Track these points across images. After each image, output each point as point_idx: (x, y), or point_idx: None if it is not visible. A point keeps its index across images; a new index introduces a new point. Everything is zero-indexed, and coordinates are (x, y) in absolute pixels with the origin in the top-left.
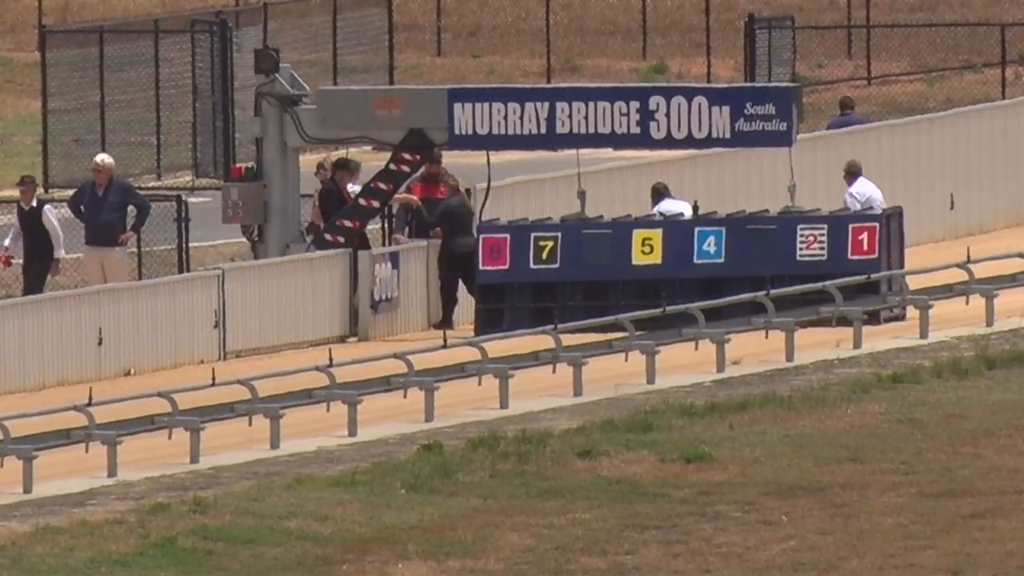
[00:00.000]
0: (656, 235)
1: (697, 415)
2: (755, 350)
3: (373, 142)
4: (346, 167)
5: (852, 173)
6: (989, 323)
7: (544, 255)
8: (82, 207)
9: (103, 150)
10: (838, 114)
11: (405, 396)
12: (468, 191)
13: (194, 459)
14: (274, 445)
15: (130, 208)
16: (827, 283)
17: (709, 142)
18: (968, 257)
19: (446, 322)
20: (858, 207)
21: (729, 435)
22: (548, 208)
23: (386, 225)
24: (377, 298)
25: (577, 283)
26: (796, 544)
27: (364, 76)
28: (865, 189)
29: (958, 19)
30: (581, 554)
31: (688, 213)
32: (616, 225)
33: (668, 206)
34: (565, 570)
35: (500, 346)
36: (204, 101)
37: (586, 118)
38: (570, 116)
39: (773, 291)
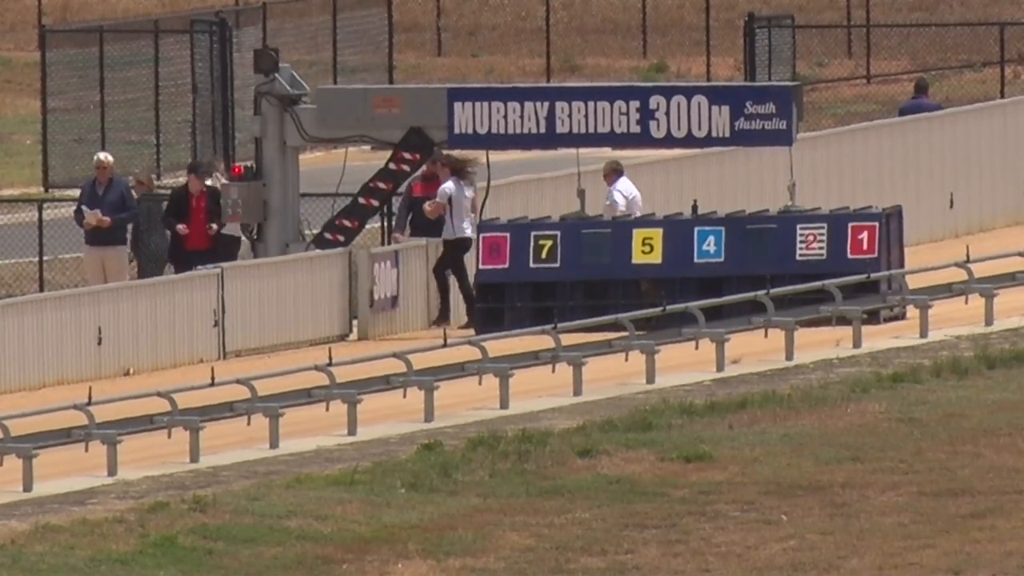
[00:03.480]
0: (656, 234)
1: (697, 414)
2: (755, 349)
3: (373, 141)
4: (198, 171)
5: (616, 171)
6: (989, 322)
7: (544, 254)
8: (83, 207)
9: (103, 149)
10: (910, 97)
11: (405, 395)
12: None
13: (194, 458)
14: (273, 444)
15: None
16: (827, 282)
17: (709, 141)
18: (967, 256)
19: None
20: (622, 207)
21: (729, 434)
22: (548, 207)
23: (386, 224)
24: (377, 297)
25: (577, 282)
26: (796, 543)
27: (364, 76)
28: (631, 188)
29: (957, 18)
30: (581, 553)
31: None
32: (616, 224)
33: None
34: (565, 569)
35: (500, 345)
36: (204, 100)
37: (586, 117)
38: (570, 115)
39: (773, 290)
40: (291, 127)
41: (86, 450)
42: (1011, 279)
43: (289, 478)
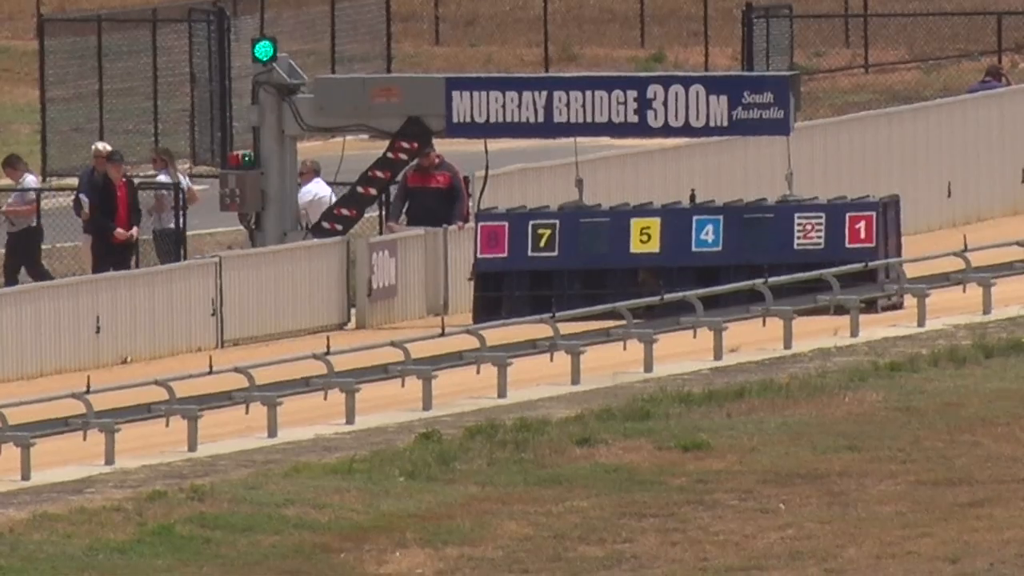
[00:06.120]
0: (654, 223)
1: (695, 403)
2: (753, 338)
3: (371, 130)
4: (113, 159)
5: (311, 171)
6: (986, 311)
7: (542, 243)
8: (80, 195)
9: (101, 138)
10: (980, 80)
11: (403, 384)
12: (467, 179)
13: (191, 447)
14: (272, 433)
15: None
16: (824, 271)
17: (707, 131)
18: (965, 245)
19: None
20: (303, 205)
21: (727, 423)
22: (546, 196)
23: (383, 213)
24: (375, 286)
25: (575, 271)
26: (794, 532)
27: (362, 65)
28: (321, 189)
29: (955, 8)
30: (579, 542)
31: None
32: (614, 213)
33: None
34: (563, 558)
35: (498, 334)
36: (202, 90)
37: (584, 107)
38: (568, 105)
39: (771, 279)
40: (289, 116)
41: (84, 439)
42: (1009, 268)
43: (287, 467)
